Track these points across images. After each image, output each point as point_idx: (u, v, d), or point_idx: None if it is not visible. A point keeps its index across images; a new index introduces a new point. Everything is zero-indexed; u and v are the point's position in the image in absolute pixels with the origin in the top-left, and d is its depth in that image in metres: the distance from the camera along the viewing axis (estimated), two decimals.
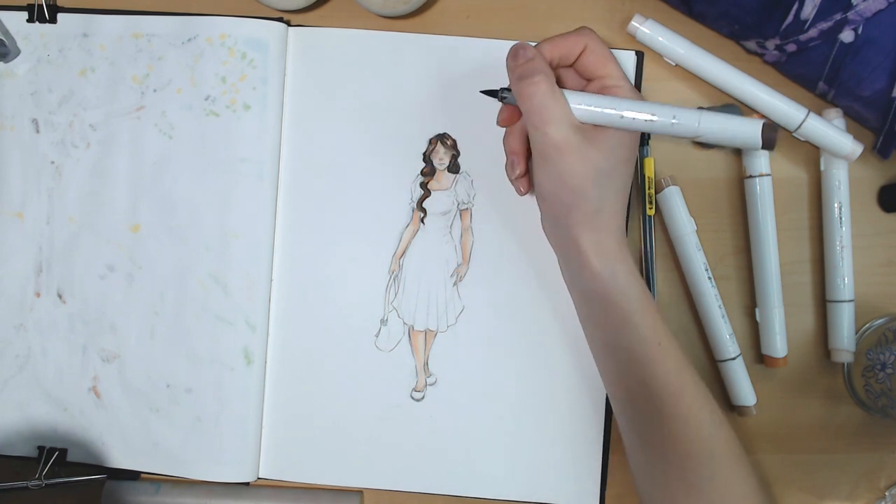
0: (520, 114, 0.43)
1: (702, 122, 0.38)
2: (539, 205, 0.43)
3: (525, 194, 0.45)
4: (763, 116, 0.47)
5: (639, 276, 0.41)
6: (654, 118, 0.38)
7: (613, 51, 0.48)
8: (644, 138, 0.48)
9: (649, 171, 0.48)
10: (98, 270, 0.49)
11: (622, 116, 0.39)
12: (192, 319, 0.48)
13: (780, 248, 0.47)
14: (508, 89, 0.42)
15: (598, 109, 0.39)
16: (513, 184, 0.45)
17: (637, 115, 0.39)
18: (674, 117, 0.38)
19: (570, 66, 0.42)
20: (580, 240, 0.40)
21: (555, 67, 0.41)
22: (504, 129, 0.45)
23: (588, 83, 0.42)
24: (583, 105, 0.39)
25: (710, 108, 0.39)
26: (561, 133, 0.38)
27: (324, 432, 0.49)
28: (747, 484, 0.40)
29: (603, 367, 0.44)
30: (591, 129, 0.40)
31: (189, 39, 0.48)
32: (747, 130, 0.39)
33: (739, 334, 0.49)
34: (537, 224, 0.44)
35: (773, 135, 0.38)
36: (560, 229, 0.41)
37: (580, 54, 0.41)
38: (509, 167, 0.45)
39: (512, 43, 0.47)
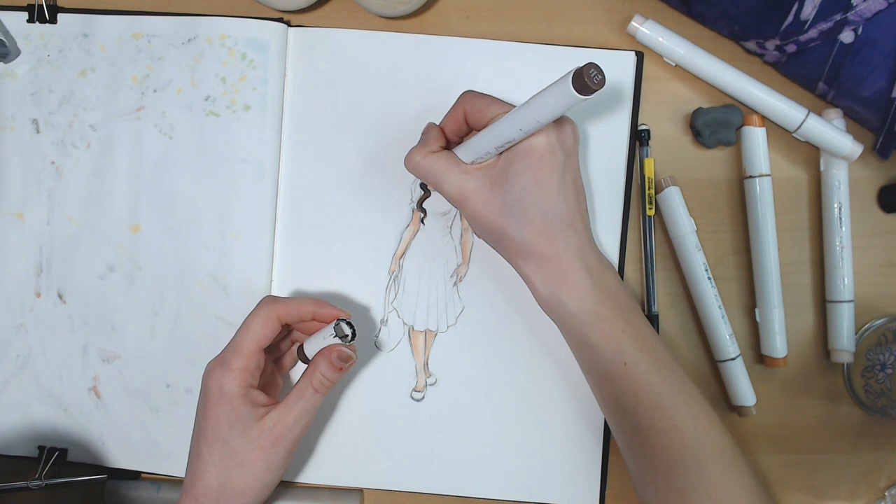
0: None
1: (533, 111, 0.36)
2: None
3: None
4: (763, 117, 0.47)
5: (596, 298, 0.41)
6: (514, 138, 0.38)
7: (613, 51, 0.48)
8: (644, 139, 0.48)
9: (649, 171, 0.48)
10: (98, 270, 0.49)
11: (494, 146, 0.39)
12: (192, 319, 0.48)
13: (780, 248, 0.47)
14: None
15: (473, 149, 0.41)
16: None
17: (500, 147, 0.39)
18: (520, 130, 0.38)
19: (470, 131, 0.44)
20: (522, 270, 0.42)
21: (460, 137, 0.44)
22: None
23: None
24: (463, 153, 0.42)
25: (534, 95, 0.36)
26: (453, 186, 0.41)
27: (324, 432, 0.49)
28: (741, 486, 0.40)
29: (588, 381, 0.44)
30: (489, 169, 0.41)
31: (189, 40, 0.48)
32: (560, 88, 0.34)
33: (739, 334, 0.49)
34: None
35: (584, 80, 0.33)
36: (507, 261, 0.43)
37: (465, 117, 0.42)
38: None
39: (513, 43, 0.48)
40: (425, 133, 0.44)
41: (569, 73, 0.33)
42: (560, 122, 0.41)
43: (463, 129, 0.43)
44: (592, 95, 0.33)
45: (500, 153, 0.41)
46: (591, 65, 0.33)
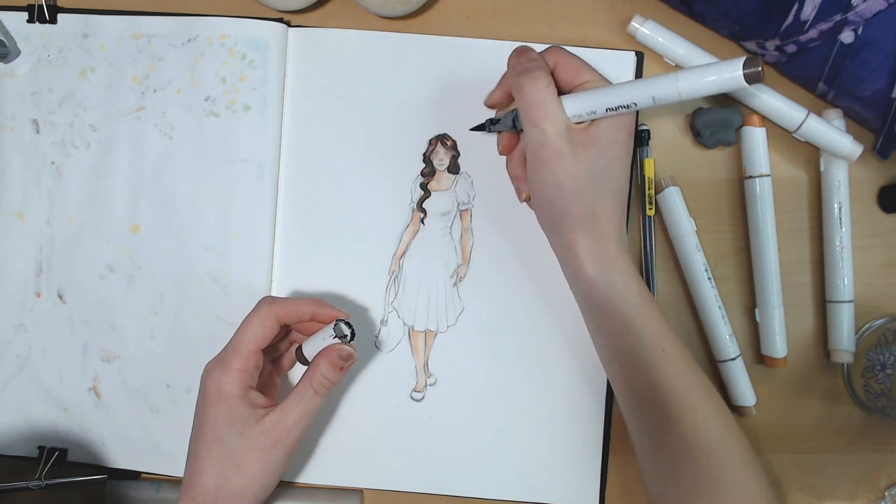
0: (517, 139, 0.45)
1: (681, 85, 0.37)
2: (536, 213, 0.43)
3: (524, 201, 0.46)
4: (763, 117, 0.47)
5: (639, 282, 0.41)
6: (636, 104, 0.38)
7: (613, 51, 0.48)
8: (644, 139, 0.48)
9: (649, 171, 0.48)
10: (98, 270, 0.49)
11: (607, 108, 0.39)
12: (192, 319, 0.48)
13: (780, 248, 0.47)
14: (494, 120, 0.44)
15: (587, 102, 0.39)
16: (517, 196, 0.46)
17: (620, 101, 0.38)
18: (653, 98, 0.37)
19: None
20: (576, 246, 0.40)
21: None
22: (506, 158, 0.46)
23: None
24: (572, 103, 0.40)
25: (686, 69, 0.37)
26: (557, 129, 0.39)
27: (323, 432, 0.49)
28: (758, 485, 0.40)
29: (609, 371, 0.44)
30: (582, 132, 0.40)
31: (189, 40, 0.48)
32: (728, 73, 0.35)
33: (739, 334, 0.49)
34: (537, 224, 0.43)
35: (756, 69, 0.34)
36: (557, 236, 0.42)
37: (553, 71, 0.41)
38: (517, 193, 0.46)
39: (513, 43, 0.48)
40: (535, 61, 0.40)
41: (738, 58, 0.34)
42: None
43: None
44: (752, 86, 0.34)
45: (596, 119, 0.40)
46: (758, 57, 0.34)
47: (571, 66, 0.41)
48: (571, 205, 0.40)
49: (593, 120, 0.40)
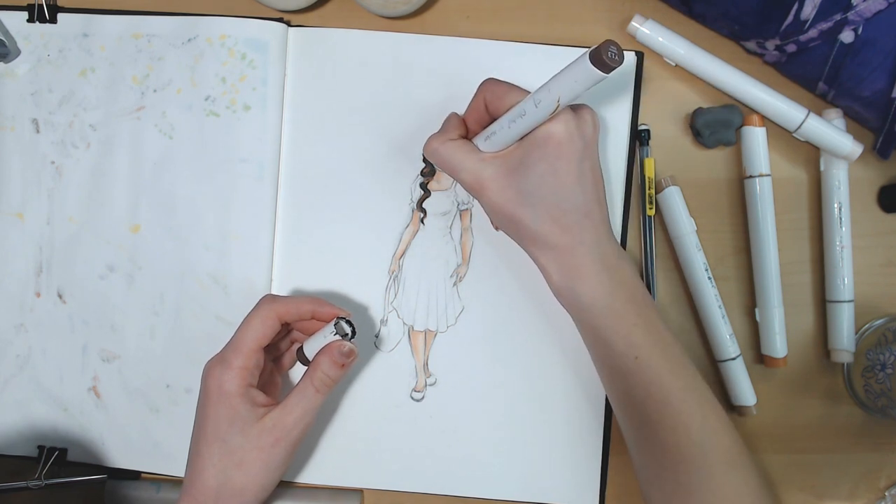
0: None
1: (552, 90, 0.36)
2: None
3: (496, 229, 0.48)
4: (763, 117, 0.47)
5: (609, 291, 0.40)
6: (525, 115, 0.38)
7: None
8: (644, 139, 0.48)
9: (650, 171, 0.48)
10: (98, 270, 0.49)
11: (508, 126, 0.39)
12: (192, 319, 0.48)
13: (780, 248, 0.47)
14: (423, 172, 0.49)
15: (488, 130, 0.41)
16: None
17: (513, 120, 0.39)
18: (536, 107, 0.37)
19: (491, 120, 0.43)
20: (538, 261, 0.42)
21: (482, 126, 0.42)
22: None
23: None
24: (480, 138, 0.41)
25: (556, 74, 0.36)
26: (470, 174, 0.41)
27: (323, 432, 0.49)
28: (745, 485, 0.40)
29: (598, 374, 0.44)
30: (507, 157, 0.40)
31: (189, 40, 0.48)
32: (581, 67, 0.34)
33: (739, 334, 0.49)
34: None
35: (602, 57, 0.33)
36: (524, 250, 0.43)
37: (486, 106, 0.42)
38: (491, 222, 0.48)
39: (513, 43, 0.48)
40: (446, 121, 0.44)
41: (587, 50, 0.34)
42: (579, 109, 0.40)
43: (484, 118, 0.43)
44: (611, 73, 0.33)
45: (518, 140, 0.40)
46: (610, 41, 0.33)
47: (497, 95, 0.41)
48: (516, 227, 0.41)
49: (521, 141, 0.40)
